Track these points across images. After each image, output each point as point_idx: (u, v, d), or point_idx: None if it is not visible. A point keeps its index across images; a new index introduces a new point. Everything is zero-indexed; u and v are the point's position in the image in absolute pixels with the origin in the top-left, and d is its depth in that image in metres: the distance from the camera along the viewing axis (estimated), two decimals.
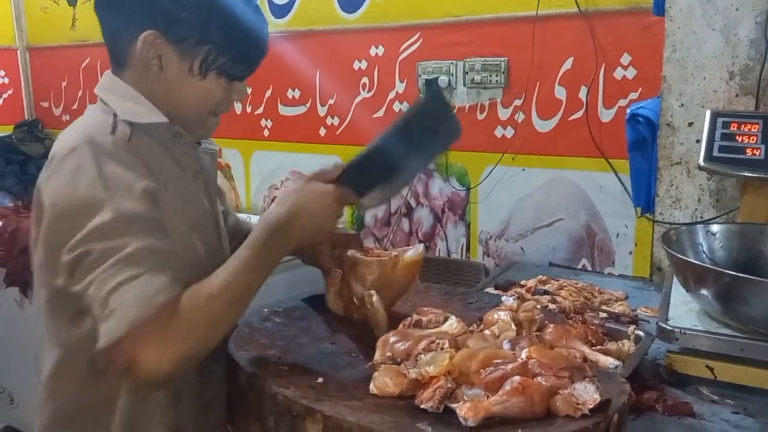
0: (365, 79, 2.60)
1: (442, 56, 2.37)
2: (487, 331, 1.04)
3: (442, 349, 0.91)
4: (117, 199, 0.91)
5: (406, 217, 2.58)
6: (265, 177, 3.00)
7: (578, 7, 2.06)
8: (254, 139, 2.98)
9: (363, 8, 2.56)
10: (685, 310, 1.30)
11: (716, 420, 1.12)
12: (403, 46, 2.47)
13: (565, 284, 1.74)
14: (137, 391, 1.02)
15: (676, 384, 1.22)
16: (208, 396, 1.10)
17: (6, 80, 3.90)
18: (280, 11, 2.77)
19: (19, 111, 3.93)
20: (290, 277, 1.52)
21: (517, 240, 2.31)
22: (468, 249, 2.43)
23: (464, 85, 2.32)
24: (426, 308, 1.12)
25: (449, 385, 0.85)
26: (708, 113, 1.62)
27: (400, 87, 2.51)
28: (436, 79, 2.35)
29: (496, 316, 1.08)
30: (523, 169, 2.26)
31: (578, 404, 0.83)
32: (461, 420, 0.81)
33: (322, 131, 2.76)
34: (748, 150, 1.53)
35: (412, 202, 2.54)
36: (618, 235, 2.10)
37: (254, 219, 2.75)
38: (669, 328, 1.22)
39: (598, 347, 1.14)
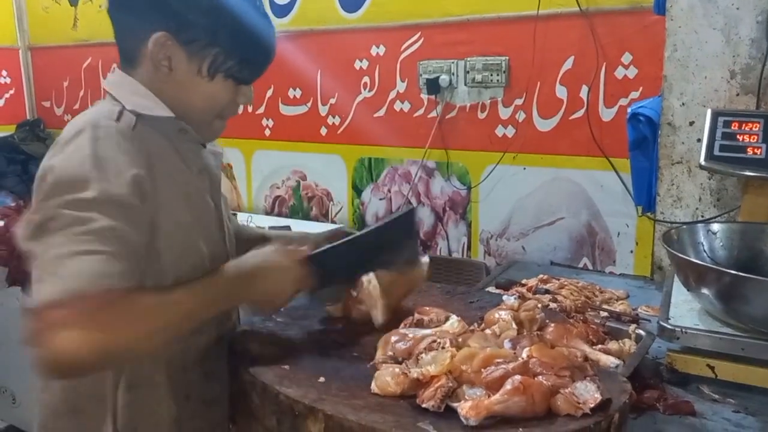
0: (366, 79, 2.60)
1: (443, 55, 2.37)
2: (488, 331, 1.04)
3: (443, 348, 0.92)
4: (103, 180, 0.91)
5: None
6: (266, 176, 3.01)
7: (579, 6, 2.06)
8: (255, 139, 2.99)
9: (364, 8, 2.57)
10: (686, 309, 1.30)
11: (717, 419, 1.12)
12: (404, 46, 2.47)
13: (566, 283, 1.74)
14: (138, 387, 1.02)
15: (677, 383, 1.22)
16: (210, 394, 1.10)
17: (8, 80, 3.90)
18: (282, 11, 2.78)
19: (21, 111, 3.93)
20: None
21: (518, 239, 2.31)
22: (469, 248, 2.44)
23: (465, 85, 2.33)
24: (427, 307, 1.12)
25: (450, 385, 0.86)
26: (709, 112, 1.62)
27: (401, 86, 2.51)
28: (437, 78, 2.35)
29: (497, 316, 1.08)
30: (524, 168, 2.26)
31: (579, 403, 0.83)
32: (462, 419, 0.82)
33: (323, 130, 2.76)
34: (749, 149, 1.53)
35: (414, 201, 2.54)
36: (619, 234, 2.11)
37: (255, 218, 2.75)
38: (670, 327, 1.22)
39: (599, 346, 1.14)
